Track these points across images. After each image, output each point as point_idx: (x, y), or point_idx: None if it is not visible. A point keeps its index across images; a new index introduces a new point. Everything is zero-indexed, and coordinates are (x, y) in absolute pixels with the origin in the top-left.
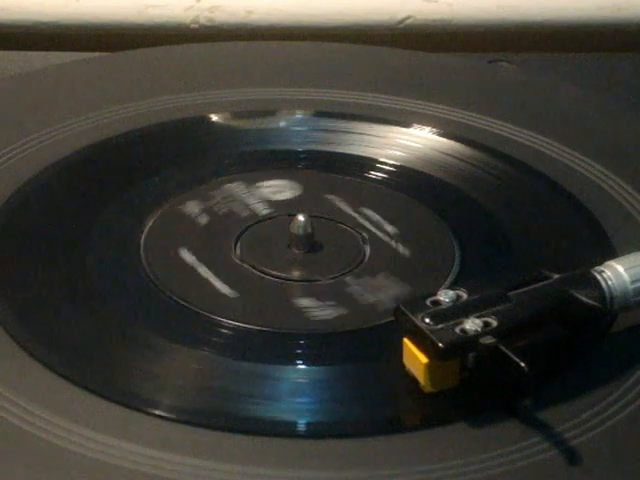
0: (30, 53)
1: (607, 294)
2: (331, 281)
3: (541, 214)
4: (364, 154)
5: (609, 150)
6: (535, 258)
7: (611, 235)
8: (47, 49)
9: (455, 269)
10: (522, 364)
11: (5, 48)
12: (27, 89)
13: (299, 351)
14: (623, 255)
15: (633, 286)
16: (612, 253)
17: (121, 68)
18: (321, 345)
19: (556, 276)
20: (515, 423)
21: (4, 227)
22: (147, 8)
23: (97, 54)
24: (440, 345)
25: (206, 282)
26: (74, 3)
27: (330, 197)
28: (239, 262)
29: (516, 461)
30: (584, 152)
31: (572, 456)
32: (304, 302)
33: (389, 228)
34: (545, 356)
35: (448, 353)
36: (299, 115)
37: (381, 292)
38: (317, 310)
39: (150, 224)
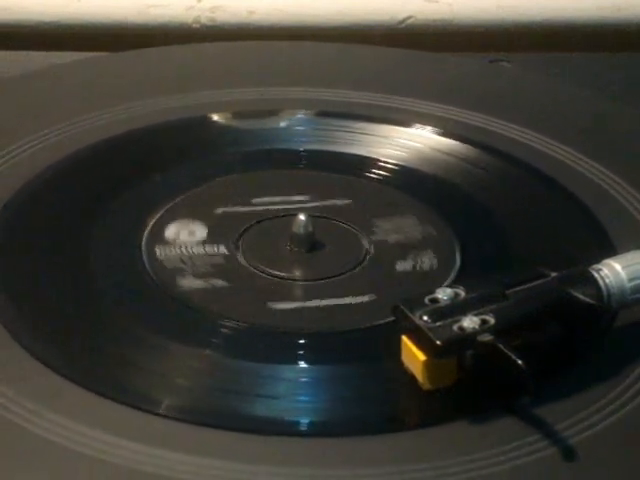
0: (31, 53)
1: (605, 292)
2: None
3: (541, 213)
4: (365, 154)
5: (609, 149)
6: (535, 257)
7: (610, 234)
8: (48, 49)
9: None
10: (519, 362)
11: (6, 48)
12: (27, 89)
13: (300, 350)
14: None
15: (631, 284)
16: (612, 252)
17: (121, 68)
18: (321, 344)
19: (554, 274)
20: (514, 421)
21: (6, 227)
22: (148, 8)
23: (97, 54)
24: (437, 342)
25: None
26: (75, 3)
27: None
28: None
29: (515, 459)
30: (584, 151)
31: (571, 454)
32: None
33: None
34: (544, 354)
35: (445, 350)
36: (300, 115)
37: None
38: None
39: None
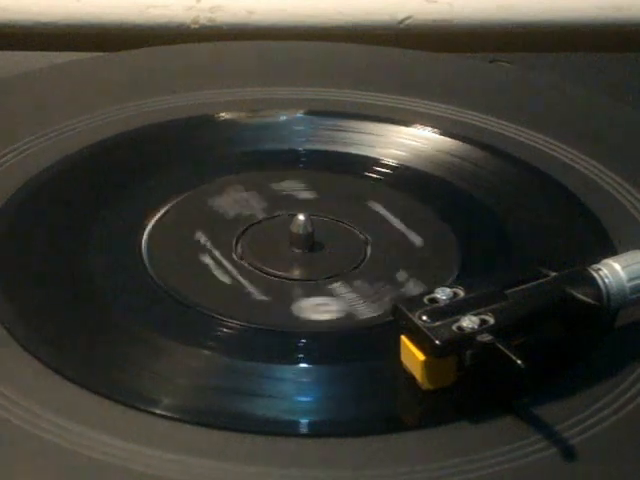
0: (30, 53)
1: (604, 292)
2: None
3: (541, 213)
4: (364, 154)
5: (609, 149)
6: (536, 257)
7: (610, 234)
8: (47, 49)
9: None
10: (519, 362)
11: (5, 48)
12: (27, 89)
13: (299, 350)
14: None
15: (630, 284)
16: (612, 252)
17: (121, 68)
18: (321, 344)
19: (553, 274)
20: (514, 421)
21: (5, 227)
22: (148, 8)
23: (97, 54)
24: (436, 342)
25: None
26: (75, 3)
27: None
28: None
29: (515, 459)
30: (584, 151)
31: (571, 454)
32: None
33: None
34: (544, 354)
35: (444, 350)
36: (299, 115)
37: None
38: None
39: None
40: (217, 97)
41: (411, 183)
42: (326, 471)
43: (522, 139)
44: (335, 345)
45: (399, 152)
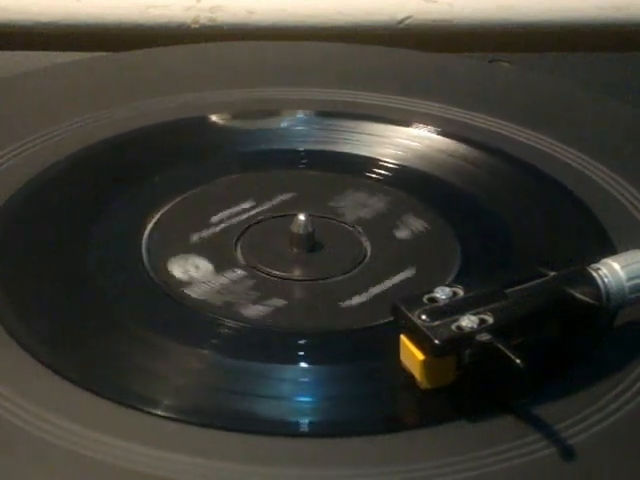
0: (30, 53)
1: (603, 291)
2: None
3: (541, 213)
4: (364, 154)
5: (609, 149)
6: (535, 257)
7: (610, 233)
8: (47, 49)
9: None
10: (517, 361)
11: (5, 48)
12: (27, 89)
13: (299, 350)
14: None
15: (629, 283)
16: (611, 251)
17: (121, 68)
18: (321, 344)
19: (552, 273)
20: (513, 421)
21: (5, 227)
22: (148, 8)
23: (97, 54)
24: (436, 342)
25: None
26: (75, 3)
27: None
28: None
29: (515, 459)
30: (584, 151)
31: (571, 454)
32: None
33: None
34: (543, 354)
35: (443, 350)
36: (299, 115)
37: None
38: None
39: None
40: (217, 97)
41: (411, 183)
42: (326, 471)
43: (521, 139)
44: (335, 345)
45: (399, 152)
